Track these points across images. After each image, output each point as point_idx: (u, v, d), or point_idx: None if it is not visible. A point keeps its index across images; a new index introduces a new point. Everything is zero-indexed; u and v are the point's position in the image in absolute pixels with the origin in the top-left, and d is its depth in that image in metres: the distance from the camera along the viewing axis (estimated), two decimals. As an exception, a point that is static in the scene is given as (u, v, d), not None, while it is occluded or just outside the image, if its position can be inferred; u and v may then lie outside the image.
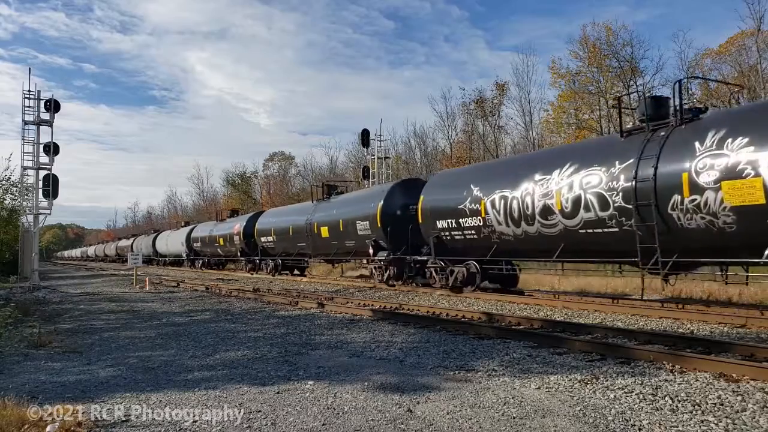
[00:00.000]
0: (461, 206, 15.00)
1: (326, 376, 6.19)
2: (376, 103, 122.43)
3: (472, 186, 14.92)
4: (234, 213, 39.86)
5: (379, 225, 18.62)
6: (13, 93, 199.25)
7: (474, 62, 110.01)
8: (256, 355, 7.48)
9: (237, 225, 32.68)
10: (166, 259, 50.91)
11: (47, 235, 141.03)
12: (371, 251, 19.02)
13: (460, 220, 15.08)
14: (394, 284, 18.40)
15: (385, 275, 18.92)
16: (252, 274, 30.20)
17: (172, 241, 47.63)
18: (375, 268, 19.61)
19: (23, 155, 24.43)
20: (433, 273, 16.72)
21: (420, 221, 16.80)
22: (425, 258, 17.11)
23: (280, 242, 27.05)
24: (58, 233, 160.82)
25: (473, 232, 14.75)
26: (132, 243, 62.13)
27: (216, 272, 35.33)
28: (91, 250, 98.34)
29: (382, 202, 18.80)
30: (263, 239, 28.63)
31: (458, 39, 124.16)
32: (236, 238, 32.41)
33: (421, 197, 16.90)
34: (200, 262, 41.13)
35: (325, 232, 22.35)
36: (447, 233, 15.74)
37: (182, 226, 48.97)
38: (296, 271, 28.68)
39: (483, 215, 14.29)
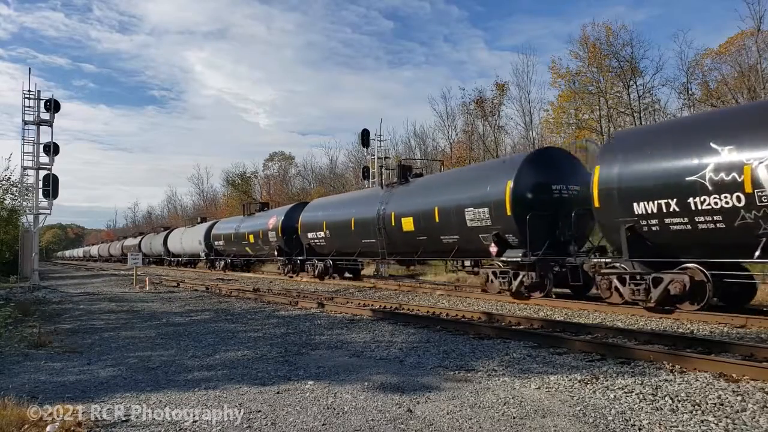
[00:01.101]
0: (694, 178, 9.61)
1: (326, 376, 6.19)
2: (375, 103, 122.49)
3: (714, 145, 9.45)
4: (264, 206, 33.47)
5: (508, 213, 13.39)
6: (12, 93, 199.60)
7: (473, 62, 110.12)
8: (256, 355, 7.48)
9: (273, 219, 27.61)
10: (180, 259, 46.52)
11: (47, 235, 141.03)
12: (494, 249, 13.95)
13: (690, 201, 9.68)
14: (529, 296, 13.43)
15: (515, 284, 13.55)
16: (291, 277, 25.83)
17: (187, 240, 42.65)
18: (496, 272, 14.35)
19: (23, 155, 24.49)
20: (618, 284, 11.31)
21: (596, 205, 11.39)
22: (604, 260, 11.91)
23: (335, 239, 22.18)
24: (58, 233, 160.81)
25: (717, 218, 9.41)
26: (140, 242, 58.30)
27: (243, 275, 31.42)
28: (94, 250, 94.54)
29: (512, 182, 13.43)
30: (311, 235, 23.66)
31: (457, 39, 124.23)
32: (272, 234, 27.36)
33: (597, 169, 11.38)
34: (222, 262, 36.30)
35: (408, 224, 17.36)
36: (654, 221, 10.36)
37: (198, 223, 44.27)
38: (347, 274, 23.97)
39: (748, 189, 8.91)
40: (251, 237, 30.09)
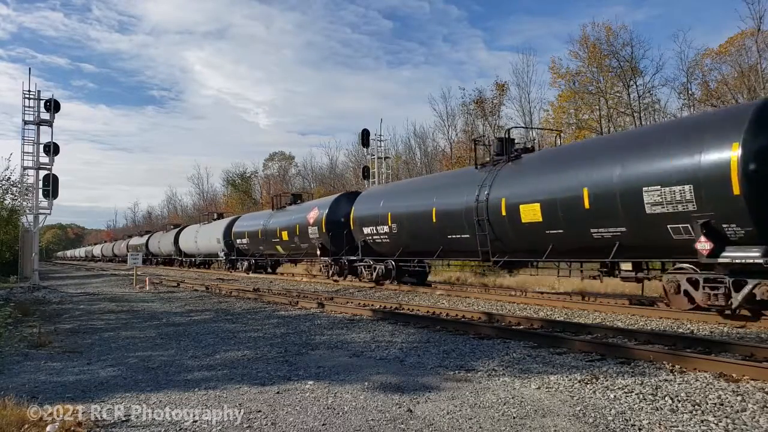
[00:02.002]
0: None
1: (326, 376, 6.19)
2: (375, 103, 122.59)
3: None
4: (296, 198, 28.91)
5: (735, 191, 8.92)
6: (12, 93, 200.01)
7: (473, 62, 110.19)
8: (256, 355, 7.48)
9: (313, 212, 23.45)
10: (194, 259, 42.51)
11: (47, 235, 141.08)
12: (706, 246, 9.38)
13: None
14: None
15: (739, 298, 9.21)
16: (336, 281, 21.89)
17: (203, 238, 38.60)
18: (697, 281, 9.92)
19: (23, 155, 24.43)
20: None
21: None
22: None
23: (403, 235, 17.77)
24: (58, 233, 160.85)
25: None
26: (147, 241, 54.56)
27: (274, 277, 27.80)
28: (97, 250, 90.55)
29: (740, 145, 8.89)
30: (367, 231, 19.62)
31: (457, 39, 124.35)
32: (312, 230, 23.24)
33: None
34: (245, 263, 32.22)
35: (530, 213, 12.81)
36: None
37: (214, 219, 40.61)
38: (407, 277, 19.36)
39: None
40: (284, 234, 25.83)
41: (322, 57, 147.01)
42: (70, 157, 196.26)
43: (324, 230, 22.19)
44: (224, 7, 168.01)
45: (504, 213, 13.56)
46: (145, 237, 57.08)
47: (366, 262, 20.07)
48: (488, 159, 15.61)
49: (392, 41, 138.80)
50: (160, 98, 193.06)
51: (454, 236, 15.49)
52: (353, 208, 20.86)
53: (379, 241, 19.16)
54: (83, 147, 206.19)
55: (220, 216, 41.60)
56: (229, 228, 33.93)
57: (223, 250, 34.48)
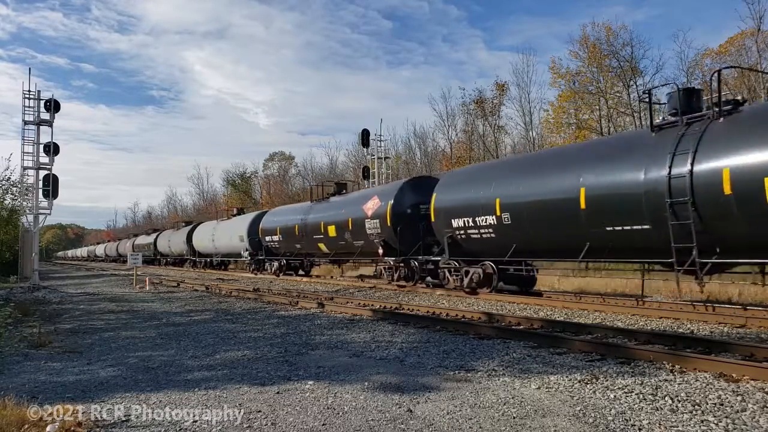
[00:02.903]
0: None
1: (326, 376, 6.19)
2: (375, 103, 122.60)
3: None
4: (342, 188, 24.87)
5: None
6: (11, 93, 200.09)
7: (472, 62, 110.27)
8: (256, 355, 7.48)
9: (373, 202, 19.30)
10: (211, 259, 38.60)
11: (47, 235, 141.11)
12: None
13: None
14: None
15: None
16: (401, 287, 17.78)
17: (222, 235, 34.57)
18: None
19: (23, 155, 24.45)
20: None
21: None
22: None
23: (520, 227, 13.52)
24: (58, 233, 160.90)
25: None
26: (155, 239, 50.97)
27: (315, 282, 23.27)
28: (100, 249, 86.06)
29: None
30: (458, 223, 15.19)
31: (456, 39, 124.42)
32: (372, 224, 19.16)
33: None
34: (276, 263, 27.86)
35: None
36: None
37: (233, 215, 36.74)
38: (502, 284, 14.93)
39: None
40: (330, 229, 22.01)
41: (322, 57, 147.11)
42: (70, 157, 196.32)
43: (389, 224, 18.06)
44: (224, 7, 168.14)
45: (729, 191, 9.31)
46: (153, 236, 53.41)
47: (452, 264, 15.68)
48: (671, 117, 11.07)
49: (392, 41, 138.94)
50: (160, 98, 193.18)
51: (619, 228, 11.12)
52: (435, 195, 16.32)
53: (477, 236, 14.58)
54: (83, 147, 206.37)
55: (241, 211, 37.26)
56: (255, 224, 29.91)
57: (247, 249, 30.43)
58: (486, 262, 14.79)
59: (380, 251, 18.76)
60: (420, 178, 20.39)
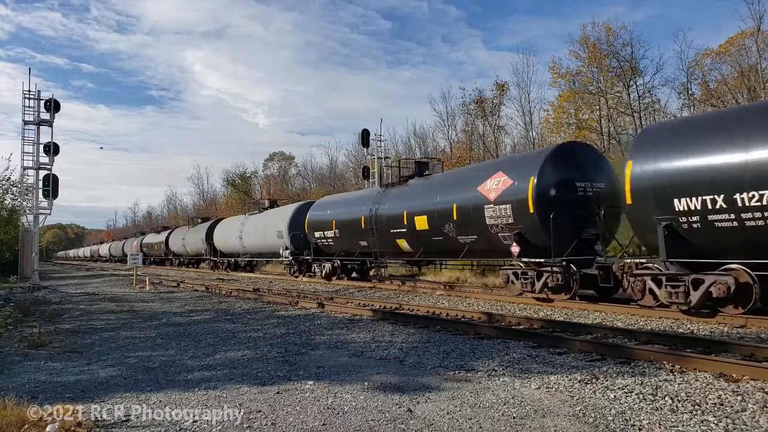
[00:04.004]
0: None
1: (326, 376, 6.19)
2: (375, 103, 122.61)
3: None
4: (423, 168, 19.57)
5: None
6: (11, 93, 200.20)
7: (471, 62, 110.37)
8: (256, 355, 7.48)
9: (496, 180, 14.08)
10: (236, 259, 33.35)
11: (47, 235, 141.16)
12: None
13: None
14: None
15: None
16: (551, 300, 12.78)
17: (253, 232, 29.51)
18: None
19: (23, 155, 24.45)
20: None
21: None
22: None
23: None
24: (58, 233, 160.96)
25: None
26: (167, 238, 46.97)
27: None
28: (104, 249, 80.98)
29: None
30: (684, 205, 9.71)
31: (455, 39, 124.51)
32: (498, 212, 13.88)
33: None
34: (328, 265, 22.46)
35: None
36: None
37: (265, 208, 31.22)
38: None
39: None
40: (420, 221, 16.82)
41: (321, 57, 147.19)
42: (69, 157, 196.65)
43: (532, 209, 12.75)
44: (223, 6, 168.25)
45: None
46: (164, 234, 49.17)
47: (664, 268, 10.18)
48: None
49: (391, 41, 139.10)
50: (159, 98, 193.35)
51: None
52: (631, 163, 10.60)
53: (727, 224, 9.14)
54: (83, 147, 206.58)
55: (274, 204, 31.79)
56: (298, 217, 25.14)
57: (287, 248, 25.52)
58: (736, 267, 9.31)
59: (515, 249, 13.29)
60: (572, 144, 15.02)
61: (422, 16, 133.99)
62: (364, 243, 20.21)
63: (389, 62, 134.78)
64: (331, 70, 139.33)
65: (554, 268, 12.42)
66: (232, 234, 32.89)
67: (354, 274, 22.41)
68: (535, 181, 12.82)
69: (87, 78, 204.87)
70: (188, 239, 41.75)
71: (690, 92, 30.01)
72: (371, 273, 22.26)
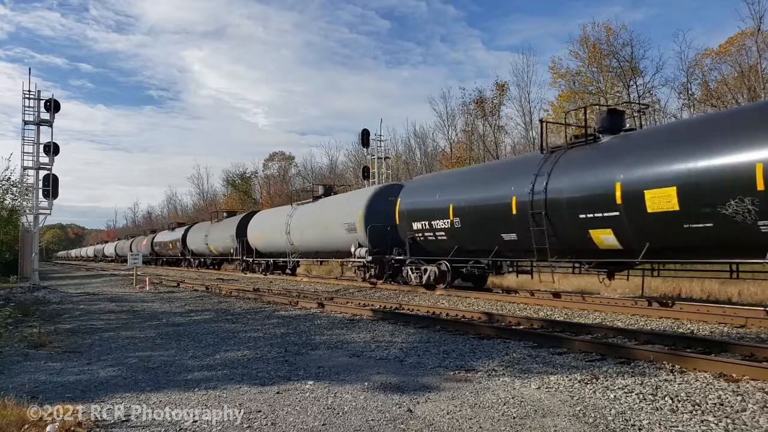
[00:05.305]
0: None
1: (326, 376, 6.18)
2: (374, 103, 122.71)
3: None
4: (618, 119, 12.64)
5: None
6: (10, 93, 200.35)
7: (471, 62, 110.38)
8: (256, 355, 7.48)
9: None
10: (285, 260, 27.19)
11: (47, 235, 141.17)
12: None
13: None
14: None
15: None
16: None
17: (307, 225, 23.81)
18: None
19: (23, 155, 24.44)
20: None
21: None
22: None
23: None
24: (58, 233, 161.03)
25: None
26: (184, 235, 41.63)
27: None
28: (109, 248, 76.29)
29: None
30: None
31: (455, 39, 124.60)
32: None
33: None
34: (434, 270, 16.27)
35: None
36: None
37: (318, 196, 25.38)
38: None
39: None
40: (660, 197, 10.06)
41: (321, 57, 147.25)
42: (69, 157, 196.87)
43: None
44: (222, 6, 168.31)
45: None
46: (180, 231, 43.49)
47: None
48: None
49: (390, 41, 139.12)
50: (159, 98, 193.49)
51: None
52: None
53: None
54: (83, 147, 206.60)
55: (329, 191, 25.71)
56: (377, 205, 19.30)
57: (360, 245, 19.66)
58: None
59: None
60: None
61: (421, 16, 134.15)
62: (510, 236, 13.58)
63: (389, 62, 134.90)
64: (331, 70, 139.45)
65: None
66: (274, 229, 26.79)
67: (464, 281, 16.52)
68: None
69: (86, 78, 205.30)
70: (212, 236, 35.70)
71: (690, 92, 30.03)
72: (495, 277, 17.00)
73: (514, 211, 13.25)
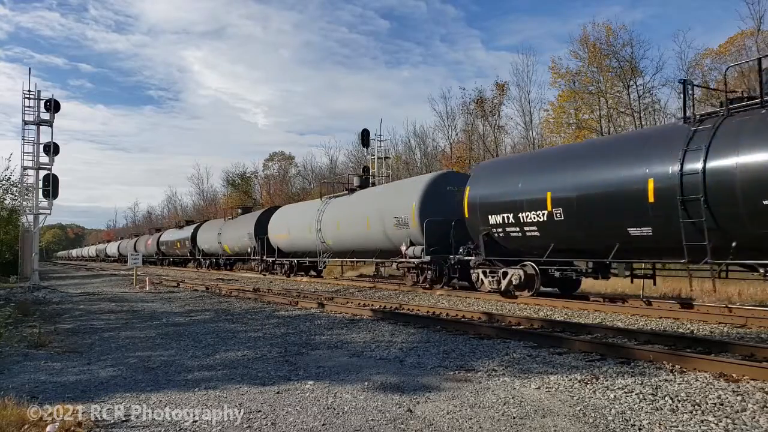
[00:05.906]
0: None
1: (326, 376, 6.18)
2: (374, 103, 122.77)
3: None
4: None
5: None
6: (9, 93, 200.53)
7: (470, 62, 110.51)
8: (256, 355, 7.48)
9: None
10: (315, 260, 24.26)
11: (47, 235, 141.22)
12: None
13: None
14: None
15: None
16: None
17: (343, 221, 21.07)
18: None
19: (23, 155, 24.44)
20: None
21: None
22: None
23: None
24: (58, 233, 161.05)
25: None
26: (193, 234, 39.23)
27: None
28: (112, 248, 73.25)
29: None
30: None
31: (454, 39, 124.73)
32: None
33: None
34: (510, 275, 13.49)
35: None
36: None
37: (353, 188, 23.08)
38: None
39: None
40: None
41: (320, 57, 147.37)
42: (69, 157, 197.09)
43: None
44: (221, 6, 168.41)
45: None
46: (189, 229, 40.90)
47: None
48: None
49: (389, 41, 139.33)
50: (158, 98, 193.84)
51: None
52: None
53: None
54: (83, 147, 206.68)
55: (366, 183, 23.50)
56: (433, 197, 16.70)
57: (412, 243, 17.13)
58: None
59: None
60: None
61: (421, 15, 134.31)
62: (640, 231, 10.77)
63: (388, 62, 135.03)
64: (331, 69, 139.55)
65: None
66: (302, 225, 24.08)
67: (544, 286, 13.81)
68: None
69: (86, 78, 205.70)
70: (227, 234, 33.01)
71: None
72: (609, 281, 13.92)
73: (651, 198, 10.31)
